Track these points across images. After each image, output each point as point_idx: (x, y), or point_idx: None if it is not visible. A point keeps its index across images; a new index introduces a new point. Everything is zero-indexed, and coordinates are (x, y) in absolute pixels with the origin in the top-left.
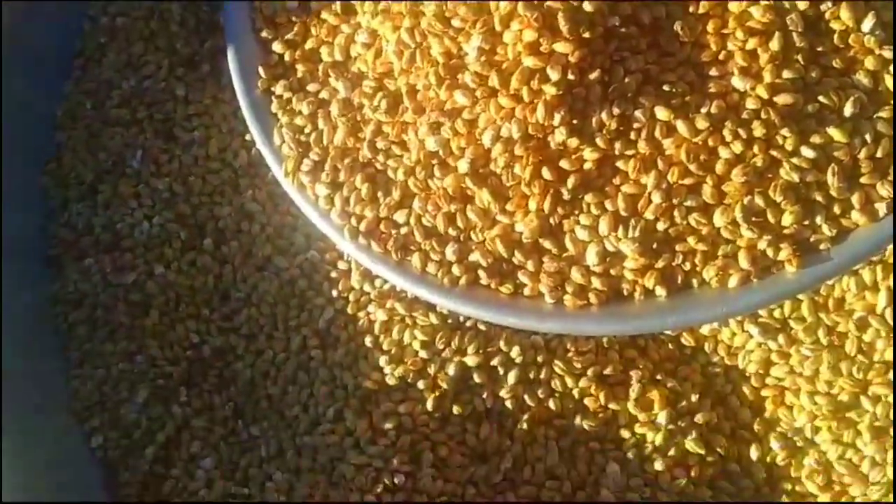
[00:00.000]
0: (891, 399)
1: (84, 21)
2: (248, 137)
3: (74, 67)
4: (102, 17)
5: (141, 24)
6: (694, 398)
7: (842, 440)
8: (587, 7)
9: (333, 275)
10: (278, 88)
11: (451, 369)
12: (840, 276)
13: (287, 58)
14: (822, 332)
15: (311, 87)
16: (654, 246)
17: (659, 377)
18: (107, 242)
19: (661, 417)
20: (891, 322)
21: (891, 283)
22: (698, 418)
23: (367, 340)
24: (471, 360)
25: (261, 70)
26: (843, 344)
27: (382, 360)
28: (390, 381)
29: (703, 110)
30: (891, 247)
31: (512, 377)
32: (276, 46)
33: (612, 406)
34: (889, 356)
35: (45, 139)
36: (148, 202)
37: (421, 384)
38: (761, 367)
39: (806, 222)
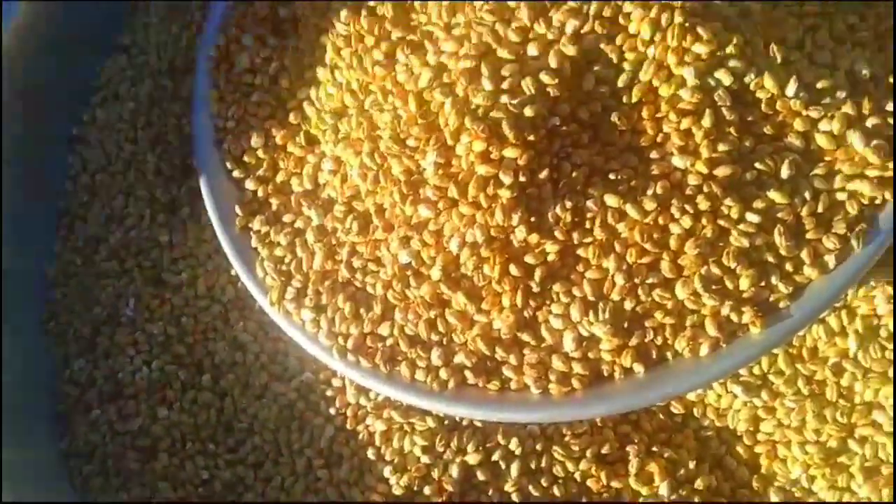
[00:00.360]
0: (877, 439)
1: (65, 181)
2: (233, 272)
3: (61, 226)
4: (82, 176)
5: (119, 177)
6: (691, 465)
7: (837, 485)
8: (528, 112)
9: (329, 393)
10: (255, 224)
11: (454, 471)
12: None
13: (260, 193)
14: (801, 382)
15: (287, 218)
16: (626, 325)
17: (655, 448)
18: (110, 392)
19: (663, 489)
20: (865, 364)
21: (857, 326)
22: (698, 484)
23: (370, 453)
24: (472, 459)
25: (237, 209)
26: (824, 391)
27: (387, 471)
28: (397, 490)
29: (650, 192)
30: (851, 291)
31: (514, 470)
32: (249, 184)
33: (614, 484)
34: (869, 397)
35: (39, 298)
36: (145, 348)
37: (427, 490)
38: (750, 424)
39: (762, 283)
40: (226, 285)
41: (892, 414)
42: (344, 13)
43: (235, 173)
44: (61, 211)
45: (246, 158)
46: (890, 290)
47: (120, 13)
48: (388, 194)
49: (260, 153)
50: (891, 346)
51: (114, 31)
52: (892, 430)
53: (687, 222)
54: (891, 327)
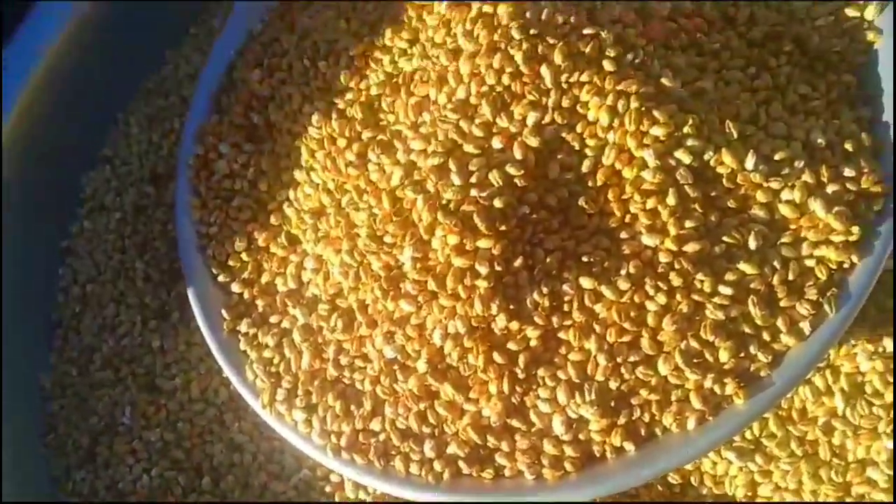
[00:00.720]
0: (874, 496)
1: (56, 293)
2: (225, 374)
3: (55, 338)
4: (73, 287)
5: (110, 286)
6: None
7: None
8: (497, 204)
9: (328, 489)
10: (243, 326)
11: None
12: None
13: (246, 295)
14: (794, 444)
15: (273, 319)
16: (612, 404)
17: None
18: (112, 503)
19: None
20: (854, 421)
21: (843, 384)
22: None
23: None
24: None
25: (224, 312)
26: (817, 451)
27: None
28: None
29: (623, 272)
30: (833, 351)
31: None
32: (235, 287)
33: None
34: (861, 454)
35: (37, 410)
36: (144, 455)
37: None
38: (748, 489)
39: (742, 354)
40: (219, 387)
41: (885, 470)
42: (315, 117)
43: (221, 277)
44: (54, 323)
45: (230, 262)
46: (871, 346)
47: (102, 125)
48: (369, 290)
49: (244, 256)
50: (877, 402)
51: (96, 144)
52: (886, 486)
53: (662, 299)
54: (875, 383)
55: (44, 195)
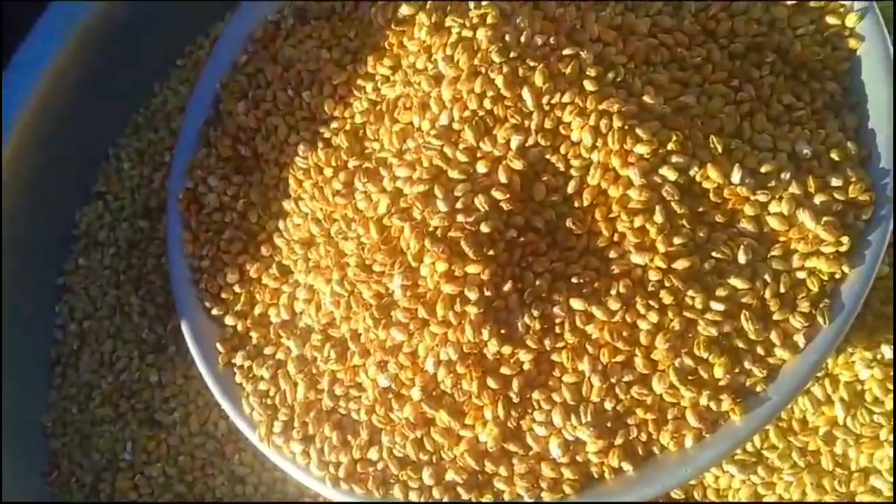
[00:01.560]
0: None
1: (54, 330)
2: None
3: (55, 376)
4: (70, 324)
5: (106, 322)
6: None
7: None
8: (484, 229)
9: None
10: (238, 359)
11: None
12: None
13: (240, 328)
14: (796, 454)
15: (268, 351)
16: (609, 425)
17: None
18: None
19: None
20: (855, 430)
21: (842, 393)
22: None
23: None
24: None
25: (219, 346)
26: (819, 461)
27: None
28: None
29: (613, 292)
30: (831, 360)
31: None
32: (229, 320)
33: None
34: (864, 462)
35: (38, 448)
36: (146, 491)
37: None
38: (752, 501)
39: (737, 370)
40: (218, 420)
41: (888, 478)
42: (301, 147)
43: (214, 311)
44: (53, 360)
45: (223, 295)
46: (868, 354)
47: (94, 161)
48: (360, 320)
49: (236, 288)
50: (878, 410)
51: (89, 180)
52: (890, 494)
53: (654, 317)
54: (875, 391)
55: (38, 233)
